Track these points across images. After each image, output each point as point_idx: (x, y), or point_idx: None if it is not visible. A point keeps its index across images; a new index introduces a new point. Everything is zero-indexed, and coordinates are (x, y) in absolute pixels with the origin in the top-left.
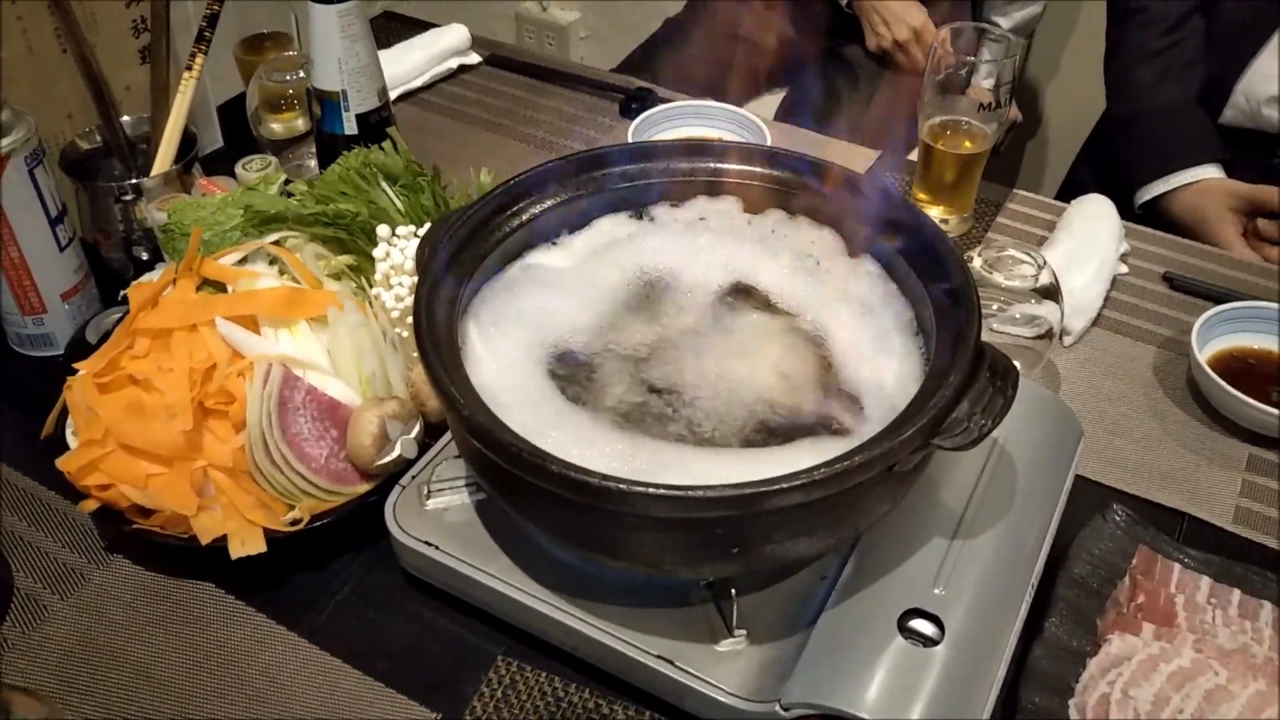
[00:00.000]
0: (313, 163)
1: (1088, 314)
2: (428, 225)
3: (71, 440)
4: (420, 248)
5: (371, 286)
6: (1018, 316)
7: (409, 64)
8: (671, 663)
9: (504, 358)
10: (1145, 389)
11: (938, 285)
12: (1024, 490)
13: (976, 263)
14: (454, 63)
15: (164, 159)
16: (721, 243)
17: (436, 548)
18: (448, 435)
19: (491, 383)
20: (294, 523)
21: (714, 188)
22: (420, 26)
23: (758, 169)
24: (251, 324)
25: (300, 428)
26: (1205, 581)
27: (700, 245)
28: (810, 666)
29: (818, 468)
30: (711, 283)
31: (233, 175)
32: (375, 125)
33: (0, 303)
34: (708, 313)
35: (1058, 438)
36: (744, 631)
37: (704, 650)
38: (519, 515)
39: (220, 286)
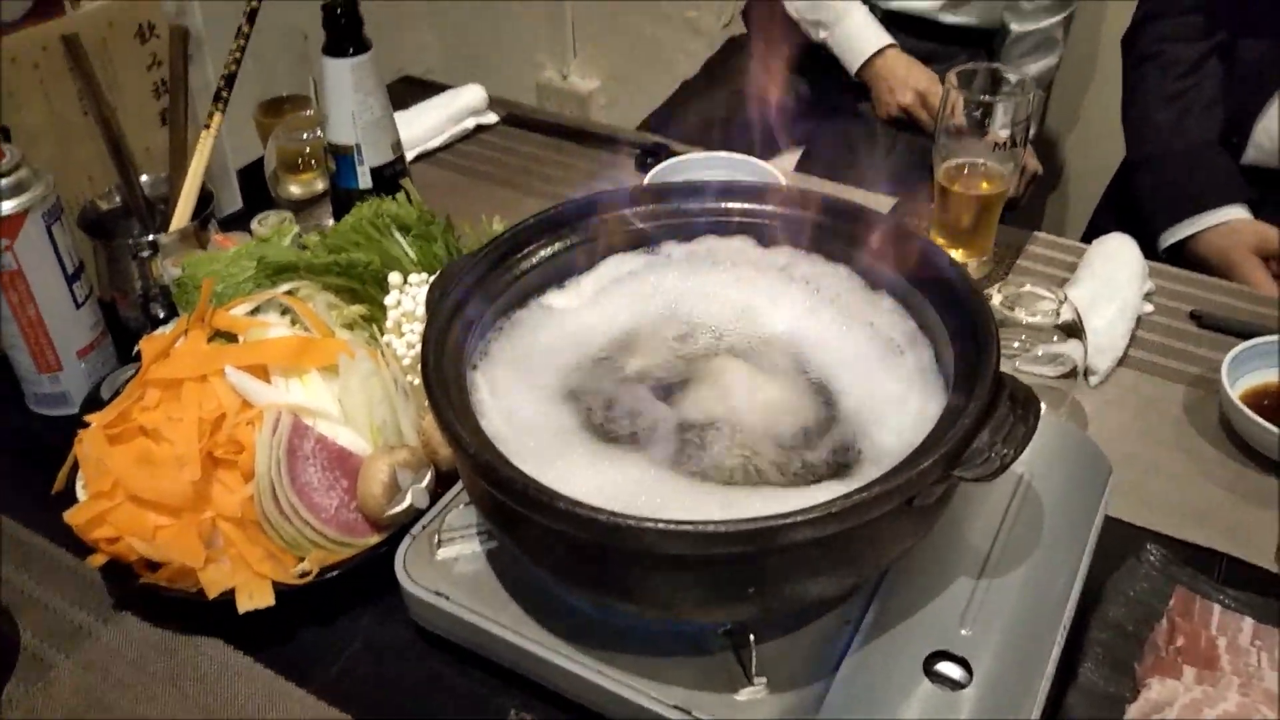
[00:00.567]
0: (330, 221)
1: (1113, 353)
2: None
3: (82, 495)
4: (431, 290)
5: (383, 335)
6: (1040, 355)
7: (426, 124)
8: (689, 714)
9: (512, 399)
10: (1175, 427)
11: (955, 318)
12: (1052, 528)
13: (996, 300)
14: (471, 122)
15: (181, 216)
16: (734, 279)
17: (446, 598)
18: (459, 484)
19: (500, 425)
20: (303, 575)
21: (725, 227)
22: (438, 90)
23: (770, 207)
24: (262, 373)
25: (310, 477)
26: (1248, 623)
27: (711, 282)
28: (834, 713)
29: (834, 501)
30: (724, 318)
31: (249, 233)
32: (389, 179)
33: (17, 361)
34: (722, 349)
35: (1086, 475)
36: (764, 680)
37: (723, 700)
38: (528, 559)
39: (232, 338)
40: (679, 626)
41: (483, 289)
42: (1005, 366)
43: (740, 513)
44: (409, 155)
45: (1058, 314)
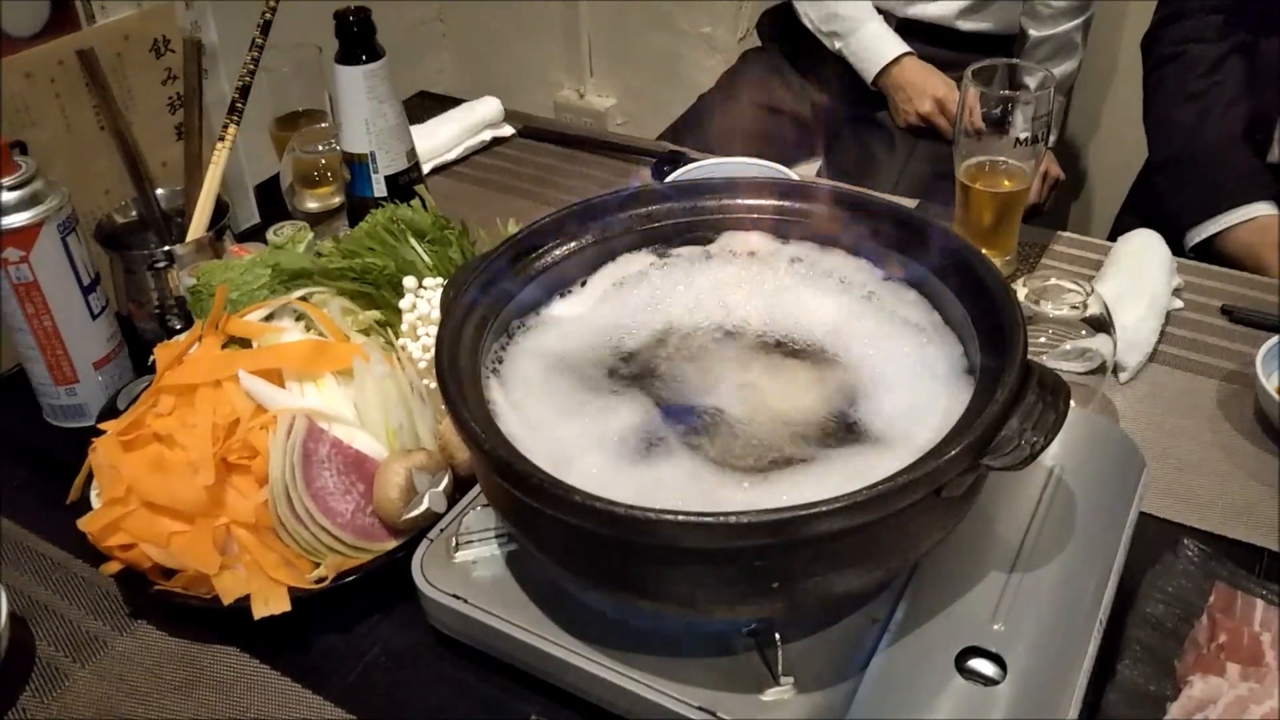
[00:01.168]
0: (347, 232)
1: (1143, 349)
2: None
3: (96, 504)
4: (446, 290)
5: (398, 339)
6: (1069, 349)
7: (442, 136)
8: (714, 714)
9: (527, 398)
10: (1210, 423)
11: (980, 307)
12: (1085, 522)
13: (1022, 294)
14: (487, 135)
15: (197, 226)
16: (753, 274)
17: (465, 601)
18: (476, 487)
19: (515, 425)
20: (319, 581)
21: (739, 223)
22: (455, 105)
23: (784, 203)
24: (277, 379)
25: (325, 481)
26: None
27: (730, 277)
28: (864, 713)
29: (860, 490)
30: (744, 313)
31: (264, 243)
32: (404, 187)
33: (33, 373)
34: (740, 342)
35: (1118, 469)
36: (791, 679)
37: (749, 701)
38: (545, 557)
39: (247, 344)
40: (702, 626)
41: (497, 289)
42: None
43: (763, 503)
44: (426, 167)
45: (1085, 307)
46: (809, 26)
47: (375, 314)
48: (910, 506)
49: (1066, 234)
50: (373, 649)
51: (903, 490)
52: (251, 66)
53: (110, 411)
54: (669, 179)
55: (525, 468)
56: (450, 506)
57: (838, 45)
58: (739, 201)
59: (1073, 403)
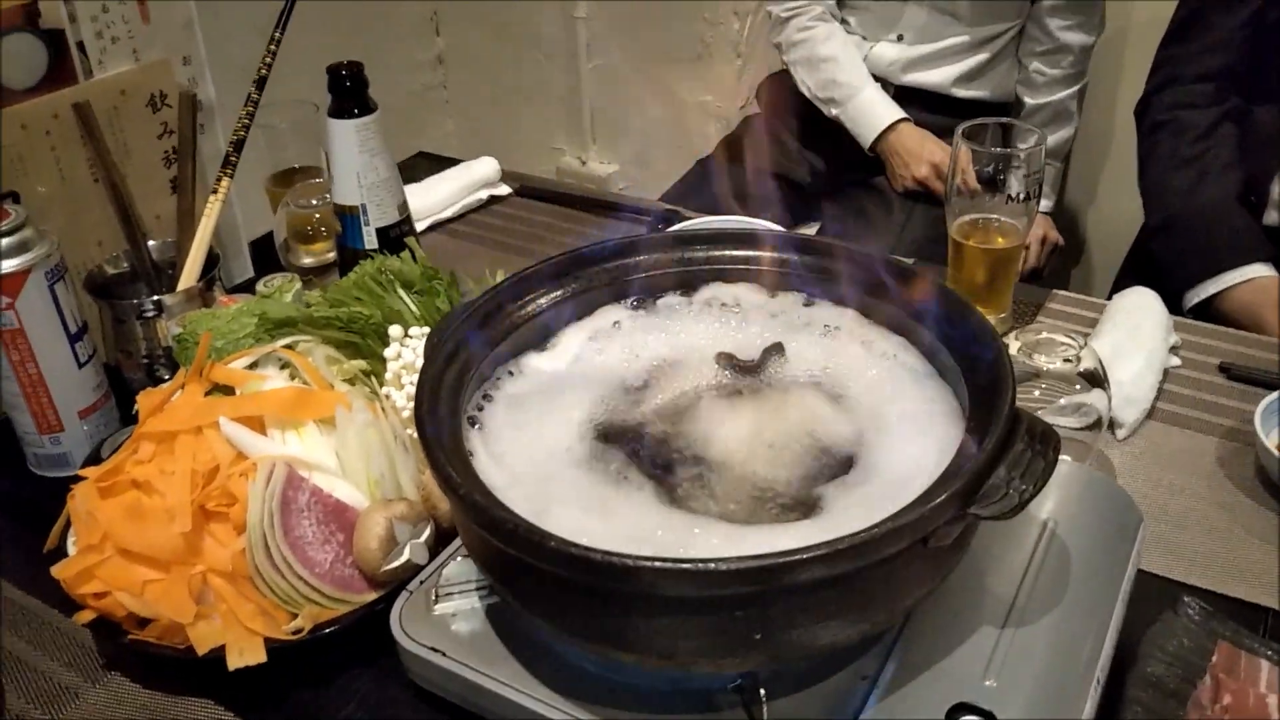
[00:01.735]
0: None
1: (1140, 405)
2: None
3: (73, 552)
4: (430, 336)
5: (383, 388)
6: (1064, 404)
7: (439, 195)
8: None
9: (507, 447)
10: (1209, 480)
11: (969, 356)
12: (1080, 578)
13: (1014, 347)
14: (484, 194)
15: (188, 276)
16: (738, 322)
17: (444, 654)
18: (458, 540)
19: (494, 473)
20: (296, 632)
21: (727, 275)
22: (453, 164)
23: (773, 254)
24: (259, 426)
25: (304, 530)
26: None
27: (716, 326)
28: None
29: (843, 538)
30: (728, 363)
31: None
32: (395, 240)
33: (18, 422)
34: (726, 391)
35: (1115, 524)
36: None
37: None
38: (523, 607)
39: (231, 392)
40: (685, 682)
41: (481, 336)
42: None
43: (744, 551)
44: (422, 225)
45: (1079, 360)
46: (806, 94)
47: (361, 363)
48: (896, 556)
49: (1062, 292)
50: (350, 703)
51: (887, 538)
52: (246, 121)
53: (94, 461)
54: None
55: (501, 513)
56: (432, 559)
57: (834, 111)
58: (726, 253)
59: (1067, 458)
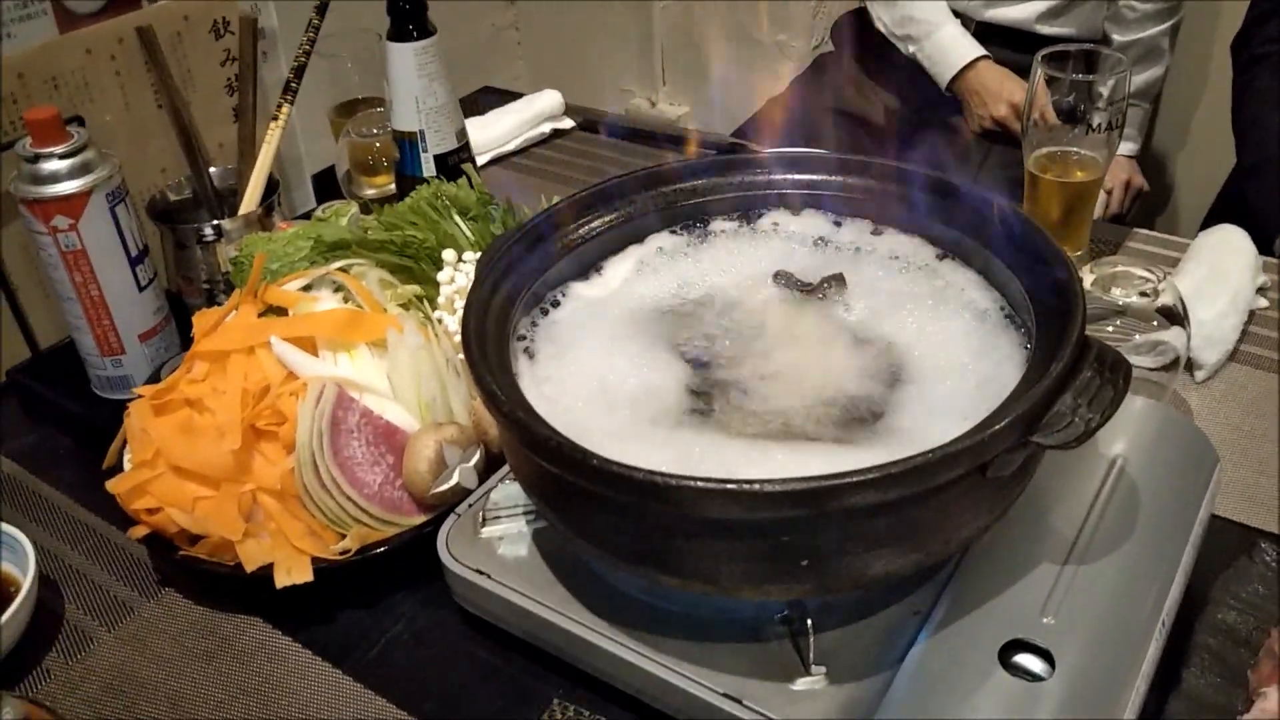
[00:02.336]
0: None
1: (1222, 347)
2: None
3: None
4: (481, 258)
5: (435, 312)
6: (1139, 342)
7: (501, 128)
8: (739, 701)
9: (555, 369)
10: None
11: (1038, 282)
12: (1149, 518)
13: (1089, 280)
14: (547, 127)
15: (248, 202)
16: (795, 248)
17: (489, 577)
18: (507, 465)
19: (539, 395)
20: (344, 552)
21: (789, 200)
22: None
23: (833, 178)
24: (310, 347)
25: (353, 451)
26: None
27: (774, 252)
28: (896, 704)
29: (896, 462)
30: (788, 288)
31: None
32: (453, 167)
33: (81, 343)
34: (783, 318)
35: (1189, 463)
36: (823, 669)
37: (777, 689)
38: (566, 528)
39: (283, 313)
40: (731, 610)
41: (532, 259)
42: None
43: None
44: (484, 158)
45: (1156, 294)
46: (883, 30)
47: (415, 288)
48: (952, 484)
49: (1143, 231)
50: (395, 625)
51: (942, 463)
52: (307, 47)
53: (154, 384)
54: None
55: (544, 430)
56: (481, 484)
57: (911, 49)
58: (788, 177)
59: (1142, 397)
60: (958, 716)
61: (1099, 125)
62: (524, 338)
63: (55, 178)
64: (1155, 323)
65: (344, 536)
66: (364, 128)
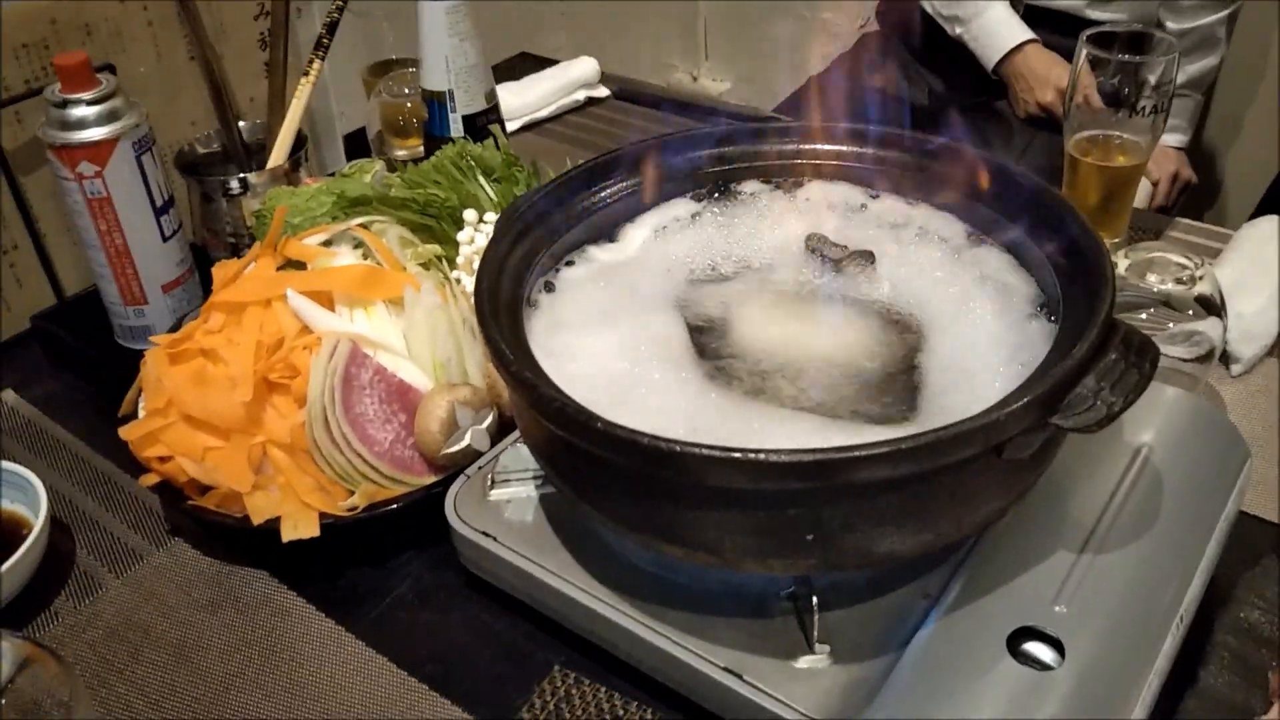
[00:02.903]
0: None
1: (1261, 341)
2: None
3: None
4: (501, 217)
5: (454, 271)
6: (1174, 331)
7: (535, 94)
8: (740, 676)
9: (567, 334)
10: None
11: (1066, 260)
12: (1173, 510)
13: (1123, 266)
14: (581, 95)
15: (276, 157)
16: (820, 219)
17: (495, 539)
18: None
19: (551, 355)
20: (352, 509)
21: (819, 170)
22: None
23: (864, 149)
24: (327, 302)
25: (365, 407)
26: None
27: (798, 221)
28: (898, 686)
29: (907, 437)
30: (812, 260)
31: None
32: (482, 129)
33: (105, 291)
34: (804, 290)
35: (1218, 457)
36: (827, 648)
37: (779, 666)
38: (568, 490)
39: (302, 267)
40: (737, 585)
41: (553, 220)
42: None
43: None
44: (516, 124)
45: (1193, 281)
46: (929, 10)
47: (435, 248)
48: (966, 464)
49: (1185, 220)
50: (401, 585)
51: (954, 442)
52: (341, 3)
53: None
54: None
55: (550, 392)
56: (494, 446)
57: (958, 30)
58: (818, 147)
59: (1174, 387)
60: (961, 702)
61: (1144, 109)
62: (538, 300)
63: (82, 124)
64: (1191, 312)
65: (353, 493)
66: (396, 87)
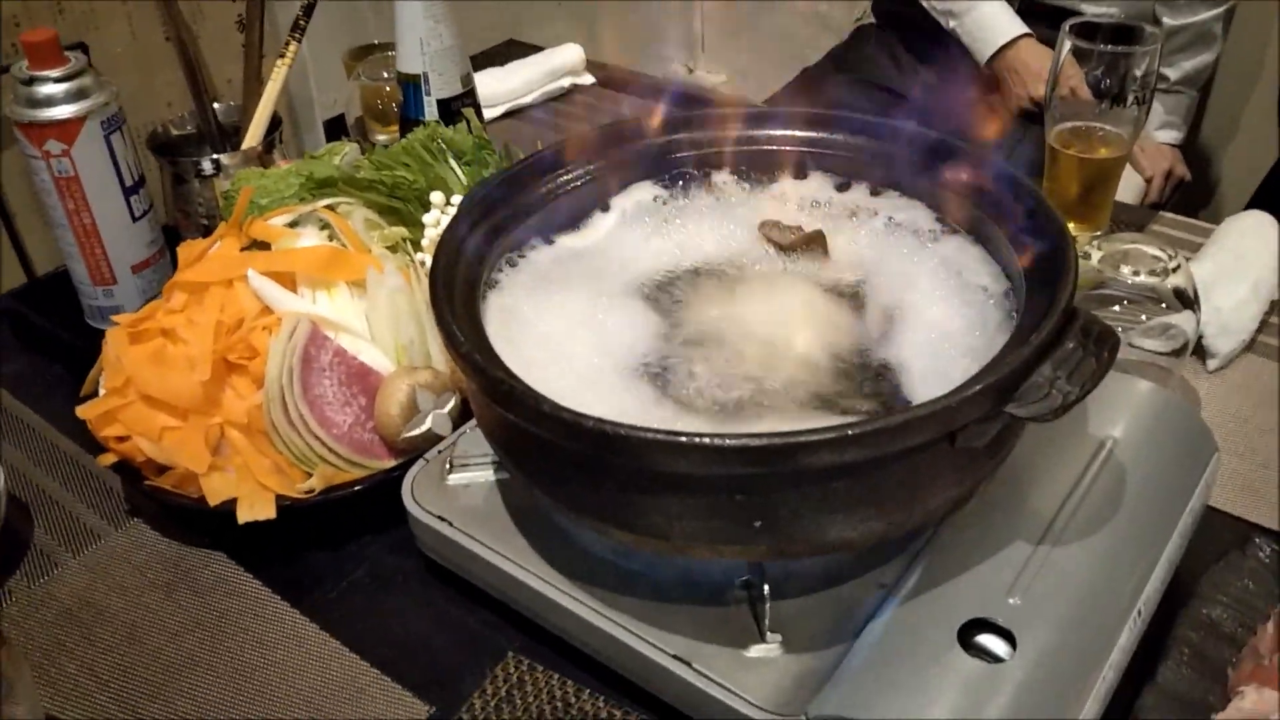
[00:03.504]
0: None
1: (1238, 336)
2: None
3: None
4: (463, 200)
5: (419, 253)
6: (1150, 324)
7: (519, 79)
8: (689, 665)
9: (522, 321)
10: None
11: (1032, 249)
12: (1135, 502)
13: (1095, 257)
14: (566, 81)
15: (250, 138)
16: (784, 206)
17: (450, 524)
18: None
19: (506, 340)
20: (309, 491)
21: (790, 157)
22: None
23: (839, 136)
24: (290, 283)
25: (324, 389)
26: None
27: (764, 208)
28: (847, 676)
29: (854, 423)
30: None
31: None
32: (456, 113)
33: (74, 271)
34: (764, 277)
35: (1185, 451)
36: (779, 637)
37: (730, 655)
38: (519, 473)
39: (267, 247)
40: (693, 573)
41: (516, 203)
42: None
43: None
44: (499, 110)
45: (1167, 273)
46: (924, 3)
47: (401, 230)
48: (917, 451)
49: (1168, 214)
50: (358, 569)
51: (904, 429)
52: None
53: None
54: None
55: (498, 373)
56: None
57: (952, 24)
58: (788, 133)
59: (1147, 381)
60: (908, 693)
61: (1128, 101)
62: (497, 283)
63: (49, 101)
64: (1164, 305)
65: (311, 476)
66: (375, 71)
